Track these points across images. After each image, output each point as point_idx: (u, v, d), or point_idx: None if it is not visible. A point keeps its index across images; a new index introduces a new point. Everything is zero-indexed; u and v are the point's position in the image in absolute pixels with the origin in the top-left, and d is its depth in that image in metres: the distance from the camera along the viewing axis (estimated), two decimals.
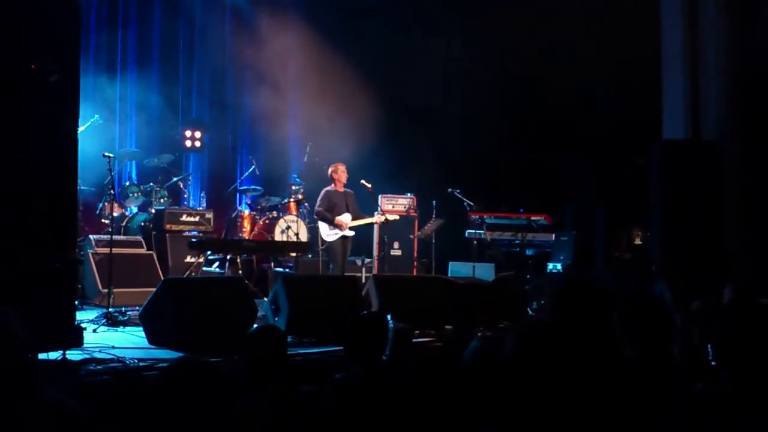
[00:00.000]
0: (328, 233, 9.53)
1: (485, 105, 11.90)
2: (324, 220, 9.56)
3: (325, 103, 12.18)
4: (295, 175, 12.53)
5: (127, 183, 10.99)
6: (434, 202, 11.45)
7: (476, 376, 3.39)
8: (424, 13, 12.47)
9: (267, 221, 11.18)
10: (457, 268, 11.31)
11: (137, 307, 6.86)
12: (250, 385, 3.71)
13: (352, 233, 9.63)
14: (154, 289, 6.41)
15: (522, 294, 8.99)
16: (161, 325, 6.09)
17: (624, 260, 10.41)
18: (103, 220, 10.02)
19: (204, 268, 9.96)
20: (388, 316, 4.59)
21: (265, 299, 7.33)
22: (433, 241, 11.38)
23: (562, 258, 11.00)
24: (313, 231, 11.71)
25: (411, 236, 11.71)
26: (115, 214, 9.56)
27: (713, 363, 3.52)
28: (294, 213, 11.39)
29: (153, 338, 6.14)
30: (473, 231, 11.44)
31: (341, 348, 4.18)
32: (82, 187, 8.82)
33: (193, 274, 9.33)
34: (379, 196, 11.64)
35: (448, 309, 7.32)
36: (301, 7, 13.24)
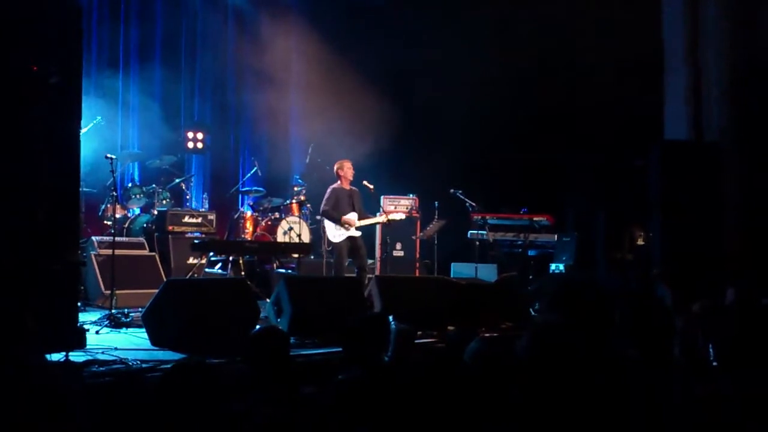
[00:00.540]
0: (334, 234, 9.36)
1: (487, 106, 11.90)
2: (331, 219, 9.37)
3: (327, 104, 12.20)
4: (297, 177, 12.54)
5: (130, 184, 11.00)
6: (436, 203, 11.45)
7: (475, 376, 3.39)
8: (426, 14, 12.47)
9: (269, 222, 11.18)
10: (460, 269, 11.31)
11: (140, 309, 6.86)
12: (253, 387, 3.72)
13: (359, 233, 9.45)
14: (156, 291, 6.42)
15: (524, 295, 8.98)
16: (164, 327, 6.09)
17: (626, 261, 10.40)
18: (105, 222, 10.03)
19: (206, 270, 9.97)
20: (391, 317, 4.60)
21: (268, 300, 7.34)
22: (436, 242, 11.38)
23: (564, 259, 11.00)
24: (316, 232, 11.72)
25: (413, 237, 11.72)
26: (117, 216, 9.57)
27: (714, 364, 3.52)
28: (296, 214, 11.40)
29: (155, 339, 6.14)
30: (475, 232, 11.44)
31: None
32: (84, 189, 8.83)
33: (195, 275, 9.33)
34: (381, 196, 11.64)
35: (451, 310, 7.30)
36: (303, 8, 13.26)
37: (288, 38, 12.77)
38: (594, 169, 11.93)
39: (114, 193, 8.53)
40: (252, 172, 12.16)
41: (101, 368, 5.07)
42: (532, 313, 8.60)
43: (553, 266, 10.98)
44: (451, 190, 11.05)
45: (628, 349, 3.71)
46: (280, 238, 10.74)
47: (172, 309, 6.11)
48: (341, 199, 9.41)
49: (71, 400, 4.10)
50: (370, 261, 11.22)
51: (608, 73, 11.00)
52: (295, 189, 12.04)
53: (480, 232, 11.33)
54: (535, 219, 11.38)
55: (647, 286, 8.82)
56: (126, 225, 10.18)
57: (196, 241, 9.28)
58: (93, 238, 9.09)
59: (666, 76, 9.71)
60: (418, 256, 11.86)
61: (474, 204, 11.14)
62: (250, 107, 13.28)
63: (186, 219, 10.35)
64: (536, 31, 11.56)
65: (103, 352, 5.54)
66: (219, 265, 10.33)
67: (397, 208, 11.82)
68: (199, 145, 12.80)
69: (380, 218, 9.90)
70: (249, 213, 11.42)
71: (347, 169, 9.51)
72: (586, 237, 11.03)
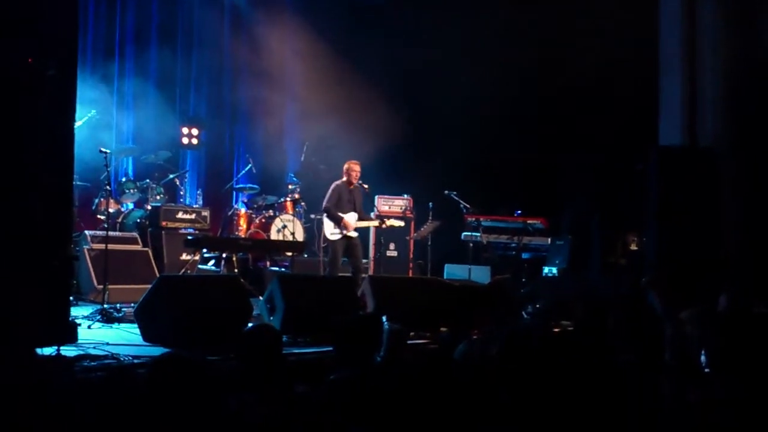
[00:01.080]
0: (332, 231, 9.33)
1: (483, 108, 11.91)
2: (331, 217, 9.34)
3: (322, 103, 12.18)
4: (292, 174, 12.52)
5: (124, 179, 10.97)
6: (431, 204, 11.45)
7: (462, 377, 3.40)
8: (425, 14, 12.47)
9: (263, 220, 11.17)
10: (453, 271, 11.32)
11: (132, 304, 6.85)
12: (244, 384, 3.71)
13: (356, 234, 9.44)
14: (149, 286, 6.41)
15: (517, 297, 8.98)
16: (156, 323, 6.08)
17: (619, 265, 10.41)
18: (98, 216, 9.98)
19: (199, 266, 9.94)
20: (384, 318, 4.59)
21: (261, 298, 7.33)
22: (429, 243, 11.39)
23: (557, 262, 11.01)
24: (310, 230, 11.72)
25: (407, 238, 11.72)
26: (110, 210, 9.56)
27: (707, 370, 3.53)
28: (290, 212, 11.38)
29: (147, 335, 6.13)
30: (469, 233, 11.44)
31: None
32: (77, 183, 8.79)
33: (188, 271, 9.31)
34: (376, 197, 11.63)
35: (444, 311, 7.31)
36: (300, 6, 13.24)
37: (285, 35, 12.75)
38: (589, 172, 11.94)
39: (108, 188, 8.53)
40: (247, 169, 12.14)
41: (93, 363, 5.07)
42: (525, 315, 8.61)
43: (546, 269, 10.99)
44: (446, 192, 11.05)
45: (623, 353, 3.72)
46: (274, 235, 10.73)
47: (164, 305, 6.10)
48: (343, 197, 9.40)
49: (62, 395, 4.09)
50: (363, 261, 11.22)
51: (604, 77, 11.01)
52: (290, 187, 12.02)
53: (474, 233, 11.33)
54: (529, 222, 11.39)
55: (639, 292, 8.83)
56: (119, 220, 10.16)
57: (189, 237, 9.25)
58: (86, 232, 9.06)
59: (661, 80, 9.72)
60: (411, 256, 11.87)
61: (468, 206, 11.14)
62: (246, 104, 13.26)
63: (180, 215, 10.34)
64: (534, 34, 11.57)
65: (94, 347, 5.54)
66: (212, 261, 10.30)
67: (391, 208, 11.83)
68: (194, 141, 12.76)
69: (378, 222, 9.85)
70: (243, 210, 11.39)
71: (354, 171, 9.49)
72: (580, 241, 11.04)
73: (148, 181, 10.78)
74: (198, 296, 6.39)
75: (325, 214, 9.47)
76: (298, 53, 12.82)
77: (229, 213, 11.45)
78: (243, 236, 10.84)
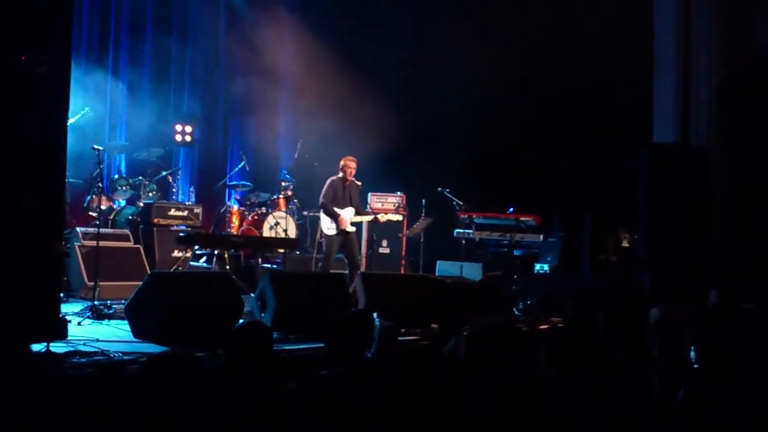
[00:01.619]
0: (328, 226, 9.37)
1: (477, 105, 11.93)
2: (327, 213, 9.37)
3: (316, 101, 12.18)
4: (285, 172, 12.51)
5: (116, 176, 10.95)
6: (423, 200, 11.46)
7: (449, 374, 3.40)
8: (418, 13, 12.47)
9: (256, 217, 11.16)
10: (445, 267, 11.32)
11: (123, 301, 6.84)
12: (235, 381, 3.71)
13: (353, 229, 9.47)
14: (140, 283, 6.40)
15: (509, 294, 9.00)
16: (147, 319, 6.08)
17: (610, 262, 10.45)
18: (90, 213, 9.97)
19: (191, 263, 9.94)
20: (375, 314, 4.60)
21: (252, 295, 7.32)
22: (422, 239, 11.39)
23: (549, 259, 11.03)
24: (302, 228, 11.72)
25: (399, 235, 11.72)
26: (102, 207, 9.54)
27: (696, 366, 3.54)
28: (283, 209, 11.37)
29: (138, 332, 6.12)
30: (462, 230, 11.46)
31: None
32: (70, 180, 8.76)
33: (180, 268, 9.30)
34: (369, 194, 11.64)
35: (435, 308, 7.29)
36: (294, 4, 13.23)
37: (279, 33, 12.73)
38: (581, 170, 11.97)
39: (100, 185, 8.51)
40: (240, 166, 12.13)
41: (82, 359, 5.06)
42: (516, 312, 8.64)
43: (537, 266, 11.01)
44: (439, 189, 11.06)
45: (611, 349, 3.73)
46: (267, 232, 10.72)
47: (155, 302, 6.10)
48: (339, 192, 9.42)
49: (52, 391, 4.08)
50: None
51: (598, 75, 11.03)
52: (283, 184, 12.01)
53: (466, 230, 11.36)
54: (521, 219, 11.40)
55: (630, 288, 8.87)
56: (111, 217, 10.14)
57: (181, 234, 9.26)
58: (77, 229, 9.03)
59: (655, 79, 9.76)
60: (404, 253, 11.87)
61: (461, 203, 11.15)
62: (240, 101, 13.24)
63: (172, 212, 10.32)
64: (528, 33, 11.58)
65: (84, 344, 5.53)
66: (204, 258, 10.30)
67: (384, 205, 11.84)
68: (188, 138, 12.74)
69: (378, 216, 9.85)
70: (236, 207, 11.38)
71: (350, 168, 9.48)
72: (572, 238, 11.07)
73: (140, 178, 10.76)
74: (189, 293, 6.39)
75: (321, 210, 9.49)
76: (292, 50, 12.80)
77: (222, 210, 11.45)
78: (235, 233, 10.84)
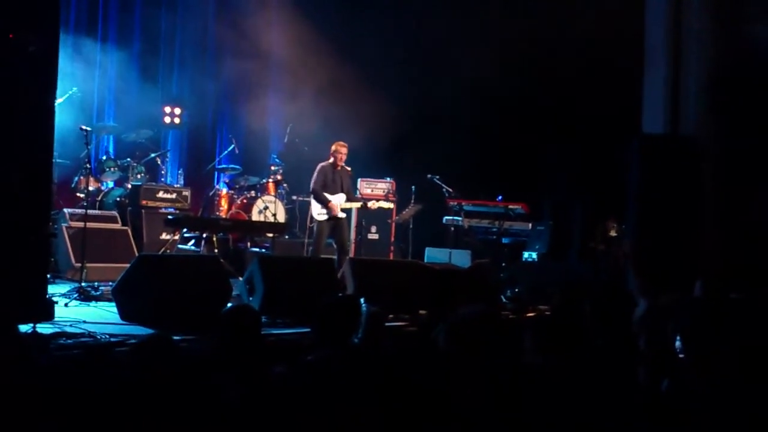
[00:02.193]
0: (318, 212, 9.30)
1: (467, 93, 11.91)
2: (318, 199, 9.30)
3: (306, 85, 12.13)
4: (275, 156, 12.48)
5: (104, 157, 10.88)
6: (413, 187, 11.46)
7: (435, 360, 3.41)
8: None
9: (245, 201, 11.13)
10: (434, 254, 11.34)
11: (110, 283, 6.82)
12: (223, 364, 3.71)
13: (343, 215, 9.40)
14: (127, 265, 6.38)
15: (496, 281, 9.03)
16: (134, 302, 6.07)
17: (598, 251, 10.50)
18: (78, 194, 9.91)
19: (179, 246, 9.91)
20: (362, 300, 4.60)
21: (240, 279, 7.32)
22: (411, 226, 11.40)
23: (537, 247, 11.08)
24: (291, 212, 11.71)
25: (389, 221, 11.73)
26: (90, 189, 9.49)
27: (681, 356, 3.56)
28: (272, 193, 11.34)
29: (125, 314, 6.11)
30: (451, 218, 11.48)
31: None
32: (57, 160, 8.70)
33: (167, 251, 9.28)
34: (359, 179, 11.63)
35: (423, 294, 7.32)
36: None
37: (270, 16, 12.65)
38: (571, 159, 12.00)
39: (88, 166, 8.47)
40: (229, 149, 12.07)
41: (69, 341, 5.04)
42: (503, 299, 8.67)
43: (526, 254, 11.05)
44: (428, 176, 11.05)
45: (597, 338, 3.75)
46: (255, 216, 10.70)
47: (143, 284, 6.08)
48: (329, 178, 9.35)
49: (38, 372, 4.07)
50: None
51: (589, 64, 11.04)
52: (272, 168, 11.98)
53: (455, 218, 11.37)
54: (510, 207, 11.42)
55: (618, 277, 8.91)
56: (99, 198, 10.08)
57: (169, 217, 9.21)
58: (65, 210, 8.99)
59: (645, 70, 9.75)
60: (392, 239, 11.88)
61: (450, 190, 11.16)
62: (230, 84, 13.16)
63: (160, 194, 10.29)
64: (519, 22, 11.55)
65: (71, 325, 5.51)
66: (192, 241, 10.27)
67: (374, 191, 11.83)
68: (176, 120, 12.68)
69: (368, 203, 9.79)
70: (224, 190, 11.34)
71: (340, 153, 9.42)
72: (561, 226, 11.10)
73: (129, 159, 10.70)
74: (177, 276, 6.38)
75: (312, 196, 9.45)
76: (283, 33, 12.71)
77: (211, 193, 11.41)
78: (224, 217, 10.81)
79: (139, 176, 10.62)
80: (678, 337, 3.86)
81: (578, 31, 10.79)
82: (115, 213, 9.53)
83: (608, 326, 3.95)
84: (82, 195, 9.50)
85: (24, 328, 4.98)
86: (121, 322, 6.02)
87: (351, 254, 10.58)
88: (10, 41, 5.01)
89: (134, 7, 12.28)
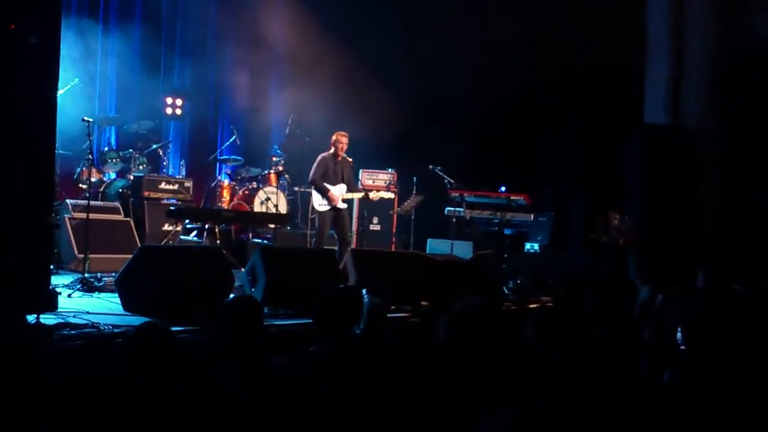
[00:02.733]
0: (320, 203, 9.26)
1: (468, 84, 11.89)
2: (317, 189, 9.27)
3: (308, 76, 12.11)
4: (276, 147, 12.48)
5: (106, 148, 10.89)
6: (415, 178, 11.46)
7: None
8: None
9: (246, 192, 11.14)
10: (436, 245, 11.35)
11: (113, 274, 6.83)
12: (224, 355, 3.72)
13: (344, 206, 9.36)
14: (130, 256, 6.39)
15: (498, 273, 9.04)
16: (137, 293, 6.07)
17: (600, 243, 10.49)
18: (80, 185, 9.93)
19: (181, 237, 9.92)
20: (364, 291, 4.61)
21: (242, 270, 7.33)
22: (413, 217, 11.40)
23: (539, 239, 11.07)
24: (293, 203, 11.71)
25: (390, 212, 11.73)
26: (93, 180, 9.49)
27: (682, 347, 3.57)
28: (274, 184, 11.35)
29: (128, 305, 6.12)
30: (453, 209, 11.47)
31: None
32: (59, 151, 8.70)
33: (170, 242, 9.28)
34: (360, 170, 11.63)
35: (425, 285, 7.33)
36: None
37: (272, 6, 12.63)
38: (573, 150, 11.98)
39: (90, 157, 8.46)
40: (231, 140, 12.07)
41: (72, 332, 5.05)
42: (505, 291, 8.68)
43: (528, 245, 11.05)
44: (430, 166, 11.05)
45: (598, 329, 3.75)
46: (257, 207, 10.71)
47: (145, 275, 6.09)
48: (329, 168, 9.31)
49: (41, 362, 4.09)
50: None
51: (591, 56, 11.01)
52: (274, 159, 11.99)
53: (457, 209, 11.37)
54: (512, 198, 11.42)
55: (620, 268, 8.91)
56: (101, 189, 10.08)
57: (171, 208, 9.21)
58: (67, 201, 9.00)
59: (648, 62, 9.74)
60: (394, 230, 11.89)
61: (452, 181, 11.15)
62: (231, 75, 13.14)
63: (162, 185, 10.30)
64: (521, 14, 11.53)
65: (74, 316, 5.52)
66: (194, 233, 10.28)
67: (375, 182, 11.83)
68: (178, 111, 12.68)
69: (370, 194, 9.72)
70: (226, 182, 11.35)
71: (341, 143, 9.37)
72: (563, 218, 11.10)
73: (130, 150, 10.71)
74: (179, 267, 6.38)
75: (311, 186, 9.43)
76: (285, 24, 12.70)
77: (213, 184, 11.41)
78: (226, 208, 10.82)
79: (141, 167, 10.63)
80: (679, 329, 3.87)
81: (580, 22, 10.76)
82: (117, 204, 9.54)
83: (610, 318, 3.96)
84: (84, 186, 9.51)
85: (28, 318, 4.99)
86: (124, 312, 6.03)
87: (353, 245, 10.59)
88: (12, 32, 5.00)
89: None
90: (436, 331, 3.40)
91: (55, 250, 8.00)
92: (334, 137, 9.43)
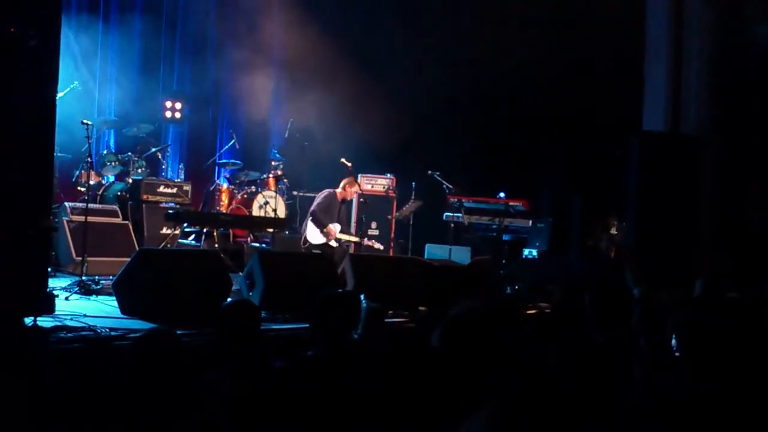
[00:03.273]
0: (314, 235, 9.50)
1: (466, 90, 11.91)
2: (316, 222, 9.47)
3: (308, 80, 12.14)
4: (275, 151, 12.49)
5: (105, 151, 10.89)
6: (413, 183, 11.46)
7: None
8: None
9: (245, 196, 11.14)
10: (434, 251, 11.36)
11: (111, 277, 6.82)
12: (222, 359, 3.72)
13: (336, 244, 9.58)
14: (128, 259, 6.38)
15: (496, 278, 9.03)
16: (134, 296, 6.06)
17: (598, 249, 10.49)
18: (79, 188, 9.92)
19: (180, 241, 9.92)
20: (362, 296, 4.61)
21: (240, 274, 7.32)
22: (411, 222, 11.41)
23: (537, 244, 11.08)
24: (292, 207, 11.72)
25: (389, 217, 11.74)
26: (91, 183, 9.50)
27: (677, 354, 3.56)
28: (272, 188, 11.35)
29: (125, 308, 6.11)
30: (451, 214, 11.48)
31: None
32: (58, 154, 8.72)
33: (168, 245, 9.28)
34: (359, 175, 11.64)
35: (423, 290, 7.34)
36: None
37: (271, 10, 12.66)
38: (572, 156, 12.00)
39: (89, 160, 8.47)
40: (230, 144, 12.08)
41: (69, 334, 5.04)
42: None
43: (526, 251, 11.05)
44: (429, 172, 11.06)
45: (596, 334, 3.75)
46: (256, 212, 10.71)
47: (143, 278, 6.08)
48: (333, 207, 9.58)
49: (38, 365, 4.08)
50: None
51: (590, 61, 11.04)
52: (273, 163, 11.99)
53: (455, 214, 11.38)
54: (510, 204, 11.44)
55: (618, 274, 8.91)
56: (100, 192, 10.10)
57: (170, 212, 9.22)
58: (66, 203, 8.99)
59: (646, 67, 9.76)
60: (392, 235, 11.89)
61: (451, 186, 11.16)
62: (230, 79, 13.17)
63: (161, 189, 10.30)
64: (520, 18, 11.56)
65: (72, 319, 5.51)
66: (193, 236, 10.28)
67: (374, 187, 11.84)
68: (177, 114, 12.70)
69: (358, 239, 9.99)
70: (225, 185, 11.35)
71: (352, 193, 9.74)
72: (561, 224, 11.11)
73: (129, 154, 10.71)
74: (177, 271, 6.37)
75: (310, 218, 9.52)
76: (285, 29, 12.73)
77: (211, 188, 11.41)
78: (224, 212, 10.82)
79: (139, 171, 10.63)
80: (674, 336, 3.87)
81: (579, 26, 10.79)
82: (115, 207, 9.53)
83: (608, 323, 3.96)
84: (83, 189, 9.51)
85: (25, 321, 4.99)
86: (122, 316, 6.02)
87: (351, 250, 10.60)
88: (11, 35, 5.01)
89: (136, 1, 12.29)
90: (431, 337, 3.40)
91: (53, 253, 8.00)
92: (345, 182, 9.66)
